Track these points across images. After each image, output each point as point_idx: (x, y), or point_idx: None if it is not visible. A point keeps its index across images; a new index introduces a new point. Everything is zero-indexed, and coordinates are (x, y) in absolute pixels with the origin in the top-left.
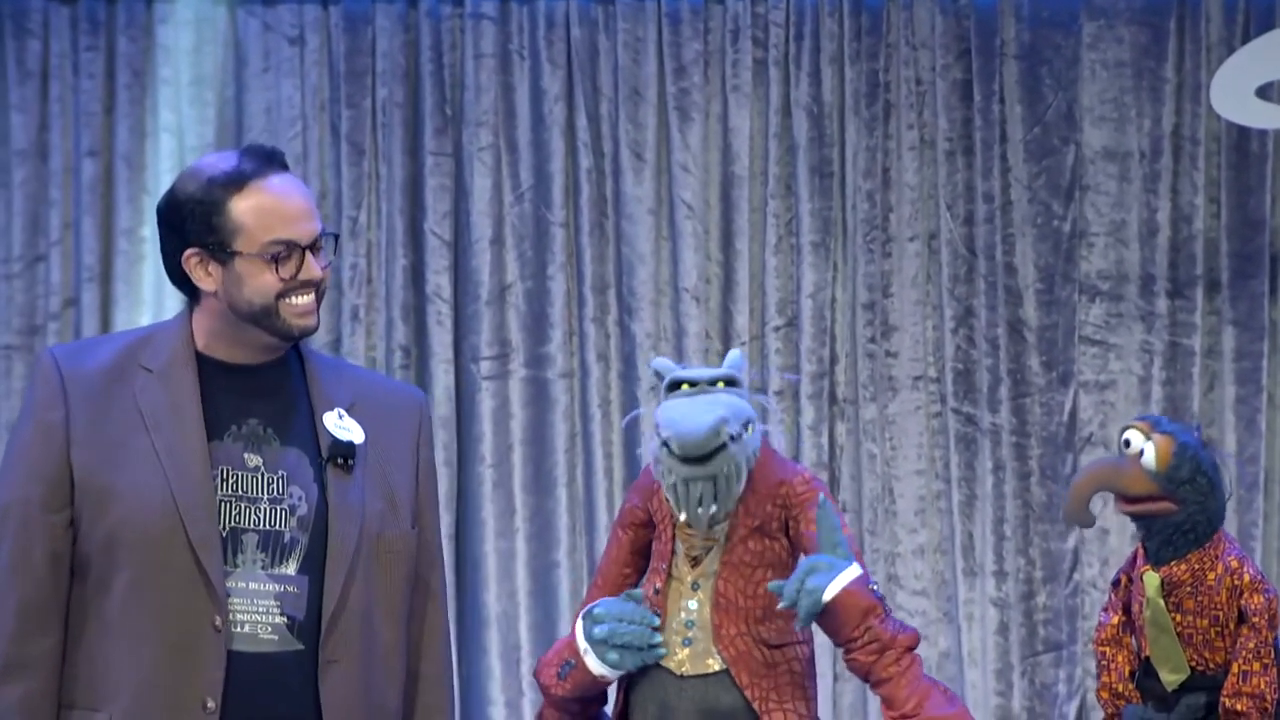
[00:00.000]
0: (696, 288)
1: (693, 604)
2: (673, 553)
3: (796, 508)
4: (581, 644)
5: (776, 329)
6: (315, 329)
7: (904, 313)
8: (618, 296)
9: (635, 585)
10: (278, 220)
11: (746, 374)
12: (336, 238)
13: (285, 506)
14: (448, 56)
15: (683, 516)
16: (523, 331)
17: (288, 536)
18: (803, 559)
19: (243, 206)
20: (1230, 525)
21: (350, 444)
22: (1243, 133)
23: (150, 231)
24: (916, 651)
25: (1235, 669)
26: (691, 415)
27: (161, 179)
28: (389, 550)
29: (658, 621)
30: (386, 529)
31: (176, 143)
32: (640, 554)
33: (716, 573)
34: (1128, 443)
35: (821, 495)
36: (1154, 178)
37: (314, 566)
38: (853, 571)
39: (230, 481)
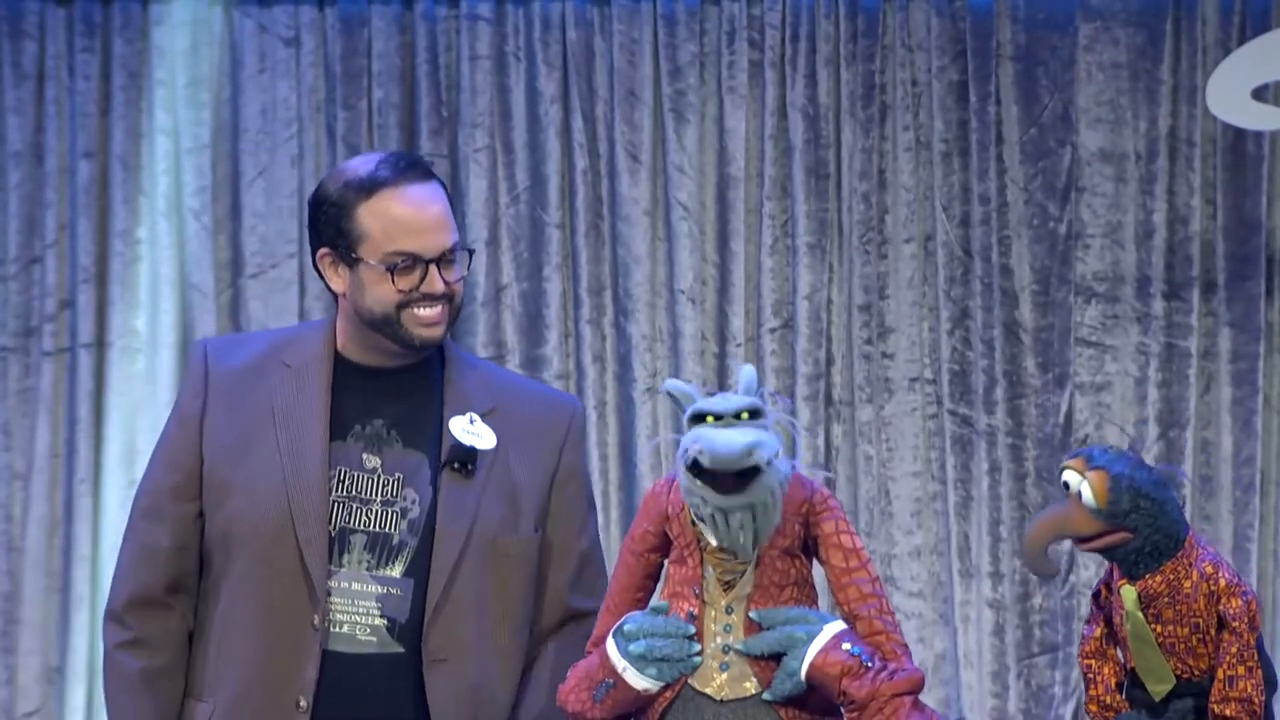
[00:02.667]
0: (692, 289)
1: (728, 627)
2: (703, 577)
3: (814, 523)
4: (619, 662)
5: (772, 330)
6: (439, 340)
7: (900, 314)
8: (613, 298)
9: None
10: (401, 231)
11: (766, 399)
12: (472, 252)
13: (397, 509)
14: (443, 58)
15: (714, 541)
16: (518, 333)
17: (396, 539)
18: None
19: (370, 213)
20: (1226, 527)
21: (471, 449)
22: (1239, 134)
23: (145, 233)
24: (906, 696)
25: (1220, 675)
26: (724, 435)
27: (157, 180)
28: (505, 554)
29: (692, 630)
30: (503, 534)
31: (172, 144)
32: (652, 578)
33: (749, 595)
34: (1066, 484)
35: (845, 519)
36: (1150, 179)
37: (420, 570)
38: (823, 637)
39: (345, 483)
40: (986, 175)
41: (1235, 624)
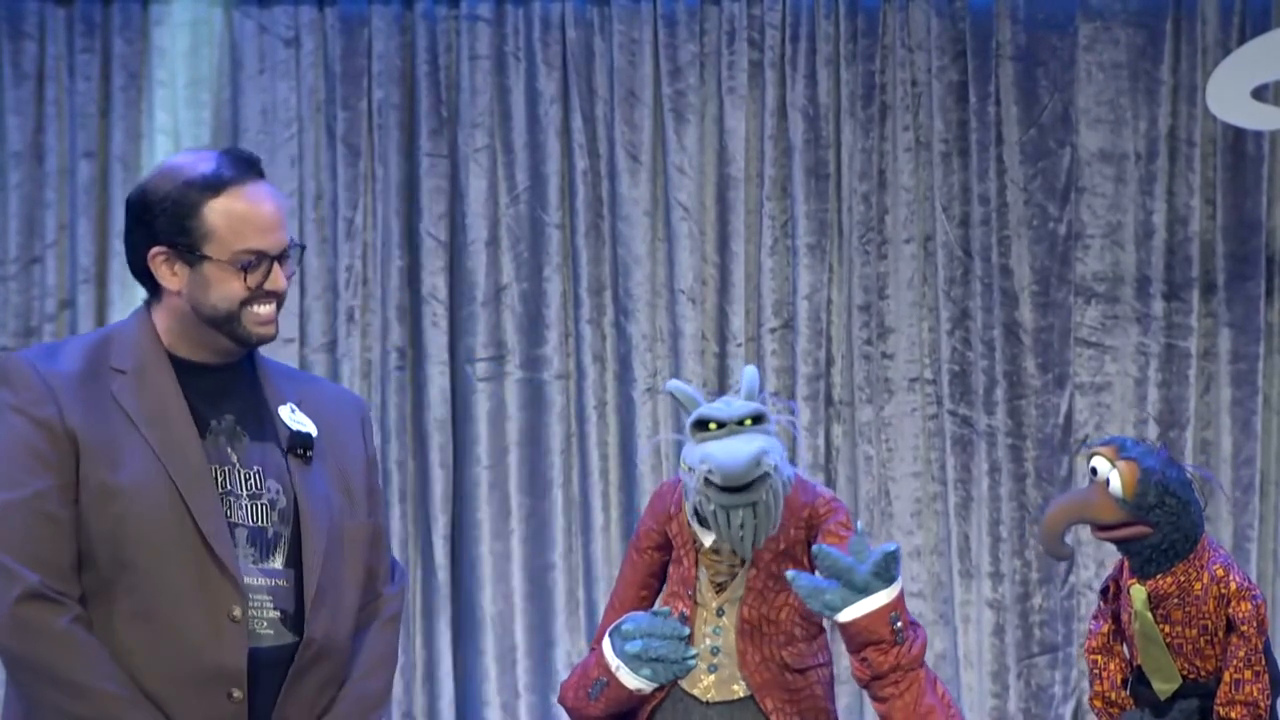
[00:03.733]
0: (692, 289)
1: (718, 630)
2: (696, 578)
3: (818, 526)
4: (613, 661)
5: (772, 331)
6: (274, 338)
7: (900, 314)
8: (614, 298)
9: (650, 606)
10: (250, 229)
11: (765, 397)
12: (303, 249)
13: (265, 501)
14: (443, 58)
15: (707, 543)
16: (518, 333)
17: (271, 531)
18: (850, 565)
19: (217, 211)
20: (1226, 527)
21: (308, 435)
22: (1239, 134)
23: None
24: (920, 668)
25: (1227, 678)
26: (731, 448)
27: None
28: (351, 540)
29: (687, 632)
30: (346, 519)
31: (172, 144)
32: (655, 576)
33: (741, 598)
34: (1094, 470)
35: (847, 515)
36: (1150, 179)
37: (296, 559)
38: (874, 601)
39: (219, 479)
40: (986, 175)
41: (1244, 627)
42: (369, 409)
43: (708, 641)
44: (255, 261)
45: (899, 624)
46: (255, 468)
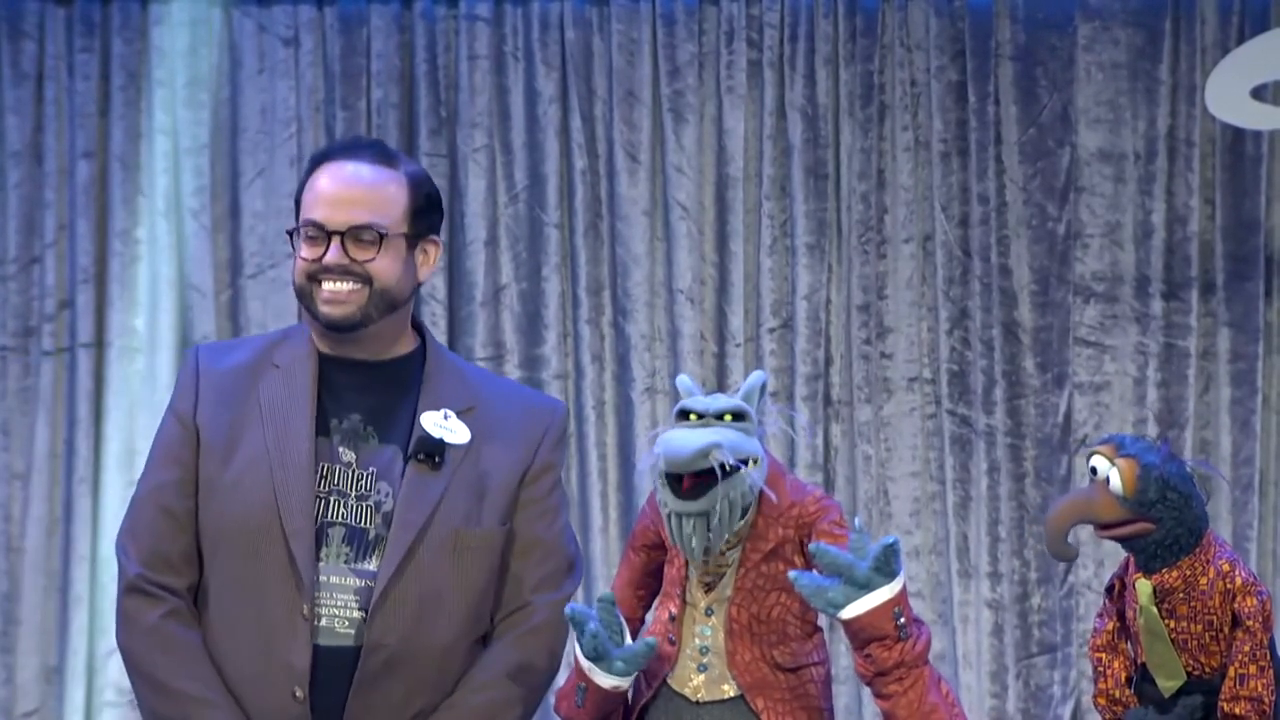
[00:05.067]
0: (691, 289)
1: (707, 630)
2: (686, 578)
3: (808, 525)
4: (584, 662)
5: (771, 330)
6: (345, 320)
7: (899, 314)
8: (612, 298)
9: (648, 606)
10: (314, 200)
11: (762, 395)
12: (383, 236)
13: (371, 503)
14: (442, 58)
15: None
16: (517, 333)
17: (373, 533)
18: (849, 561)
19: (306, 187)
20: (1226, 527)
21: (439, 442)
22: (1238, 134)
23: (145, 233)
24: (925, 665)
25: (1232, 673)
26: (683, 437)
27: (156, 180)
28: (468, 546)
29: (622, 627)
30: (465, 525)
31: (171, 144)
32: (653, 575)
33: (729, 598)
34: (1094, 469)
35: (840, 514)
36: (1149, 179)
37: None
38: (877, 597)
39: (327, 477)
40: (985, 175)
41: (1249, 622)
42: (564, 420)
43: (697, 642)
44: (312, 233)
45: (902, 619)
46: (371, 469)
